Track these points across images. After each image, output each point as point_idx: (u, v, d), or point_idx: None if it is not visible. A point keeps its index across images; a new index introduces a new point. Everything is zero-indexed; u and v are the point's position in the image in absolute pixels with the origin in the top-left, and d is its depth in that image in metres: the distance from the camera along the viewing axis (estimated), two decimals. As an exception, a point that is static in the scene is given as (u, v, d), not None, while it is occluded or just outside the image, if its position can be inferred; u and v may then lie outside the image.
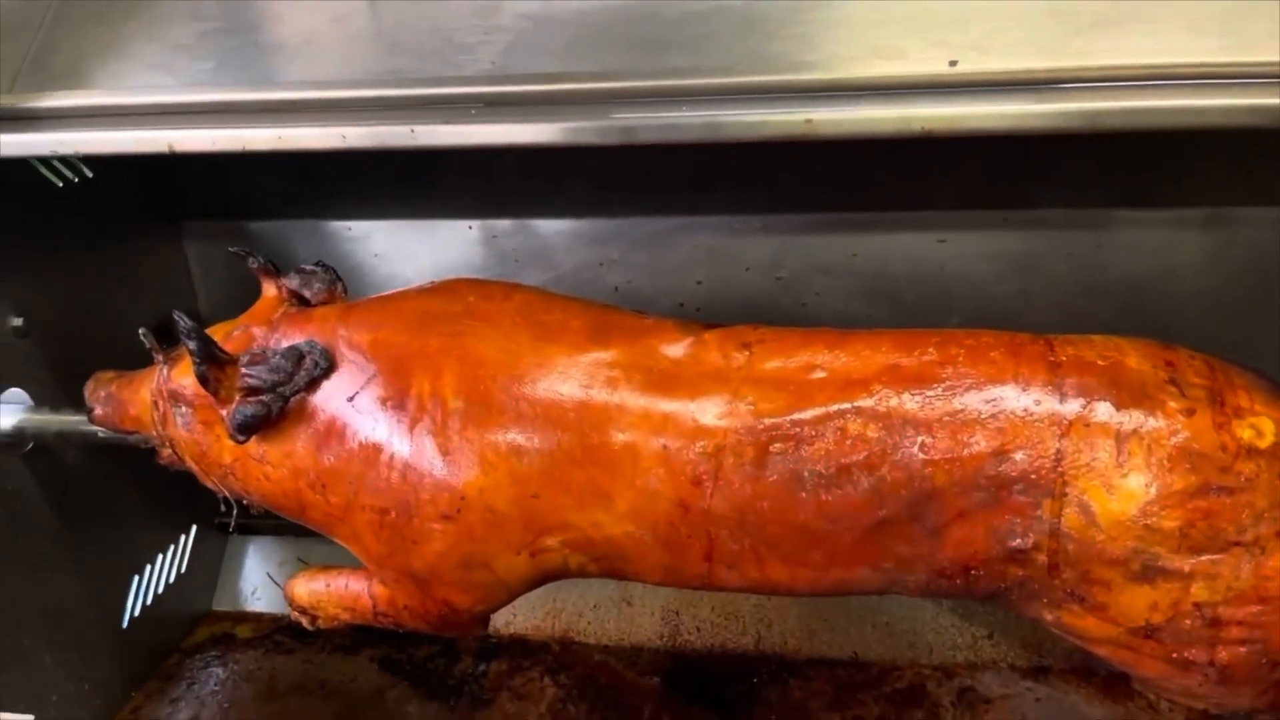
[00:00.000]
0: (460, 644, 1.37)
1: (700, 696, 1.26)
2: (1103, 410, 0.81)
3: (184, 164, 1.01)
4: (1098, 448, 0.80)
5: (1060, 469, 0.81)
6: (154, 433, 1.04)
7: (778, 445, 0.85)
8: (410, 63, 0.97)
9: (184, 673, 1.36)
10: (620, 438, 0.88)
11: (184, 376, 0.98)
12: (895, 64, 0.86)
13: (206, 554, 1.48)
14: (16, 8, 1.06)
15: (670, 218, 1.33)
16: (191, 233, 1.44)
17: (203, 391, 0.94)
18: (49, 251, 1.19)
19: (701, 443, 0.87)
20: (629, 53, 0.93)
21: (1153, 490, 0.79)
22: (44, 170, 1.15)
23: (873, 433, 0.84)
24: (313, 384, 0.94)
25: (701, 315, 1.31)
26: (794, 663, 1.30)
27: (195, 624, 1.46)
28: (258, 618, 1.47)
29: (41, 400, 1.16)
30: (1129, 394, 0.81)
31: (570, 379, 0.91)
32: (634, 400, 0.89)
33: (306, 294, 1.05)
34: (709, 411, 0.87)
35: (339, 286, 1.07)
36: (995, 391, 0.83)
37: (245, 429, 0.92)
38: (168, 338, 1.02)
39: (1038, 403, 0.82)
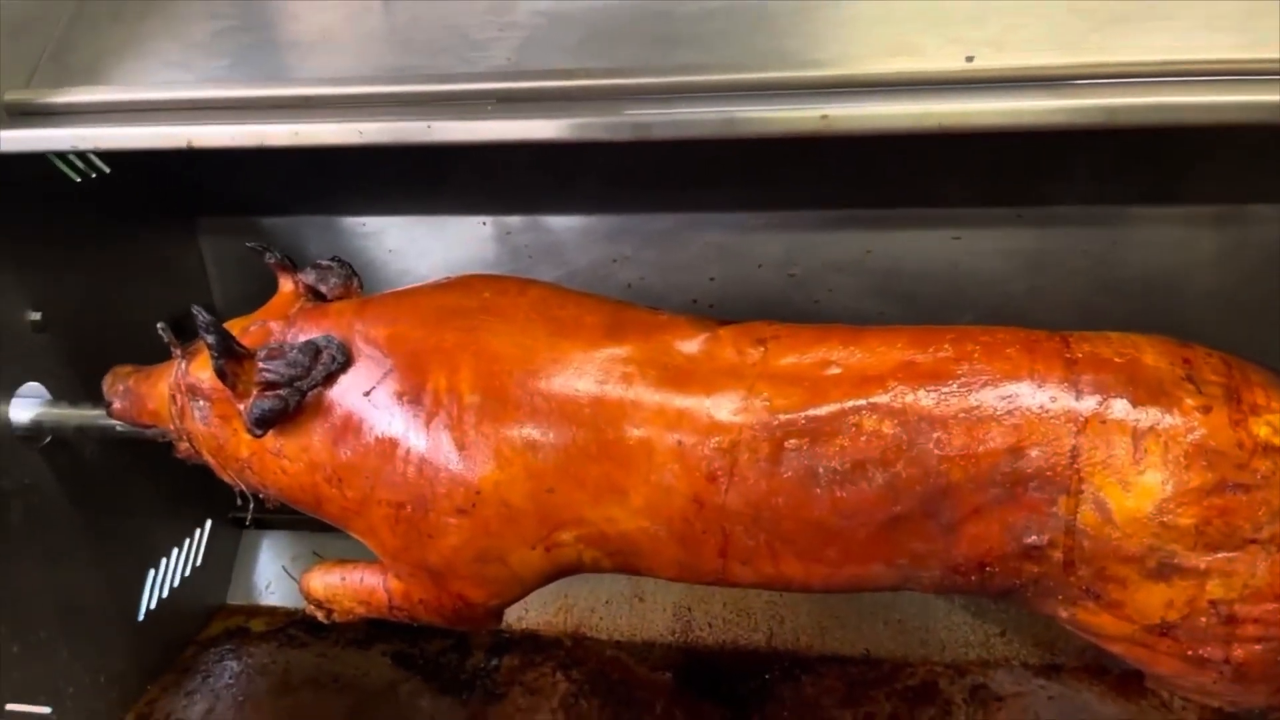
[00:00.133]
0: (472, 639, 1.38)
1: (712, 692, 1.26)
2: (1119, 407, 0.81)
3: (199, 160, 1.02)
4: (1114, 444, 0.80)
5: (1076, 466, 0.80)
6: (171, 426, 1.05)
7: (793, 441, 0.85)
8: (425, 59, 0.98)
9: (199, 666, 1.37)
10: (635, 433, 0.89)
11: (202, 371, 0.98)
12: (912, 60, 0.86)
13: (222, 548, 1.49)
14: (34, 5, 1.07)
15: (683, 214, 1.33)
16: (206, 229, 1.45)
17: (220, 386, 0.95)
18: (67, 247, 1.20)
19: (716, 438, 0.87)
20: (643, 49, 0.93)
21: (1169, 487, 0.78)
22: (62, 166, 1.16)
23: (888, 429, 0.84)
24: (329, 379, 0.95)
25: (714, 312, 1.30)
26: (806, 659, 1.31)
27: (210, 617, 1.47)
28: (272, 611, 1.48)
29: (59, 394, 1.17)
30: (1145, 391, 0.81)
31: (585, 374, 0.91)
32: (649, 396, 0.89)
33: (322, 289, 1.05)
34: (724, 407, 0.87)
35: (355, 282, 1.07)
36: (1011, 388, 0.83)
37: (263, 423, 0.93)
38: (185, 332, 1.03)
39: (1054, 399, 0.82)
